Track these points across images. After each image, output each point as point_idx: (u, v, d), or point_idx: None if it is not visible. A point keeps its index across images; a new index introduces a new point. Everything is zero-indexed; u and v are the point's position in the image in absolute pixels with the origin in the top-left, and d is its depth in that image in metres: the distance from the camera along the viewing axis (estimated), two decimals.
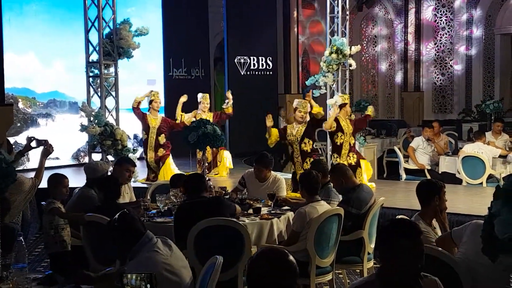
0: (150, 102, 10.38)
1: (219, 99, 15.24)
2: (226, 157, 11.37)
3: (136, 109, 10.12)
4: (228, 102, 11.16)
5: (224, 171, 11.33)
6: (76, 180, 8.44)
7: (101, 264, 5.33)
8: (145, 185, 9.55)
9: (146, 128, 10.25)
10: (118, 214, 3.99)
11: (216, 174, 11.17)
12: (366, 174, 9.54)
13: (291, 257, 2.82)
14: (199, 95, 11.09)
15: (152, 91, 10.42)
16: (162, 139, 10.36)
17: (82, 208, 6.01)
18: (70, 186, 6.29)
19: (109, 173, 7.13)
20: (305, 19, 18.37)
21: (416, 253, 2.96)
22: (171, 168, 10.24)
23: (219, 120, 11.02)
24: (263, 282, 2.77)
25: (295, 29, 17.17)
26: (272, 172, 7.44)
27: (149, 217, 6.10)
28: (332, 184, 6.73)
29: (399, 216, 5.40)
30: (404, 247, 2.94)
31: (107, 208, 5.73)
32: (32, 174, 6.54)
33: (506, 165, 10.54)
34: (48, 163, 12.69)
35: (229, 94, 11.29)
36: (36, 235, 9.20)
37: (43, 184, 6.39)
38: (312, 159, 8.60)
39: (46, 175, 6.36)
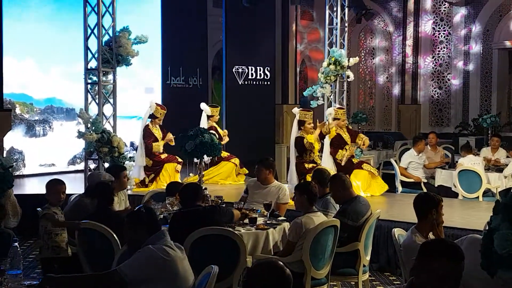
0: (155, 116, 10.45)
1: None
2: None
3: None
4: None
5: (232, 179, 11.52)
6: (72, 186, 8.42)
7: (95, 272, 5.30)
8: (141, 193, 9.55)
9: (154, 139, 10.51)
10: (142, 205, 4.19)
11: (224, 181, 11.31)
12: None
13: (288, 271, 2.90)
14: (206, 107, 11.14)
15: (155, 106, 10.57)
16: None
17: (76, 216, 5.99)
18: (65, 192, 6.26)
19: None
20: (303, 29, 18.38)
21: (455, 277, 2.93)
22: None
23: None
24: None
25: (294, 39, 17.20)
26: (276, 181, 7.46)
27: None
28: (330, 196, 6.73)
29: (396, 230, 5.41)
30: (447, 267, 2.90)
31: (100, 214, 5.72)
32: (27, 180, 6.52)
33: (502, 179, 10.55)
34: (43, 170, 12.81)
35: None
36: (30, 241, 9.17)
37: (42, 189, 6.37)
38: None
39: (43, 181, 6.34)
